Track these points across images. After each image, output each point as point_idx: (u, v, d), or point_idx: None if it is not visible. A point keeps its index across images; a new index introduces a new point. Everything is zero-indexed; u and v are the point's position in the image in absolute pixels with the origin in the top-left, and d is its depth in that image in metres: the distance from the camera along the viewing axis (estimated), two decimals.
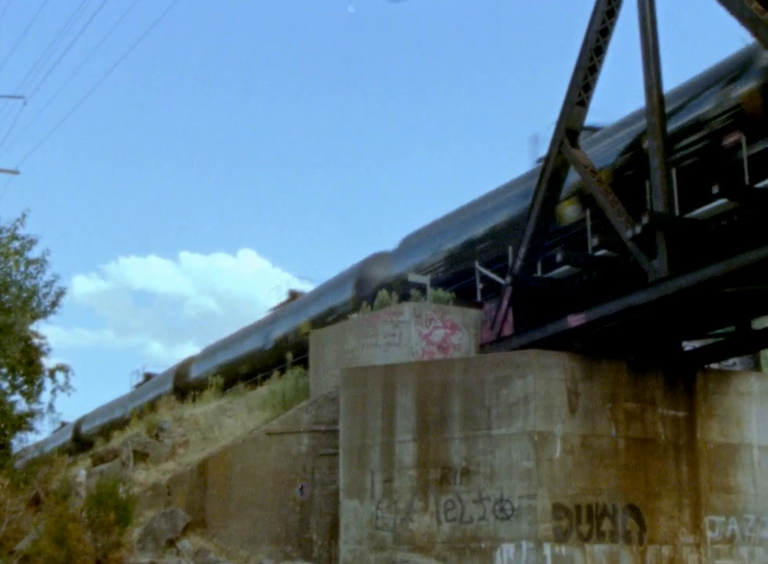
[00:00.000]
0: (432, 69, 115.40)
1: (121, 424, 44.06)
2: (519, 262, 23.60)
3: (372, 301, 28.34)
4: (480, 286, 26.39)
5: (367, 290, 32.39)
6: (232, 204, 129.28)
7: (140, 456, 29.09)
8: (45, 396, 34.31)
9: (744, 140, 19.51)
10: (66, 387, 34.49)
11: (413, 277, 27.93)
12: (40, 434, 37.26)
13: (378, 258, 33.90)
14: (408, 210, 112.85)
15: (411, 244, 31.98)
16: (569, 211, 24.21)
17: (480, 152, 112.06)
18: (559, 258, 22.26)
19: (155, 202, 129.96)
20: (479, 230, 27.88)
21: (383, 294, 27.61)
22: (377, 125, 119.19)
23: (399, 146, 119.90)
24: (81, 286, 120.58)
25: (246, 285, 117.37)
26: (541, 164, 24.29)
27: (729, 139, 20.08)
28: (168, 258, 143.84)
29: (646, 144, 21.32)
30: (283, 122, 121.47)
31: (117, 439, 34.84)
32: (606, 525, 21.51)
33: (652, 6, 20.95)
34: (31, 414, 34.04)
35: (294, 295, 43.16)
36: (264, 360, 38.51)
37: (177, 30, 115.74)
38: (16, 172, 37.89)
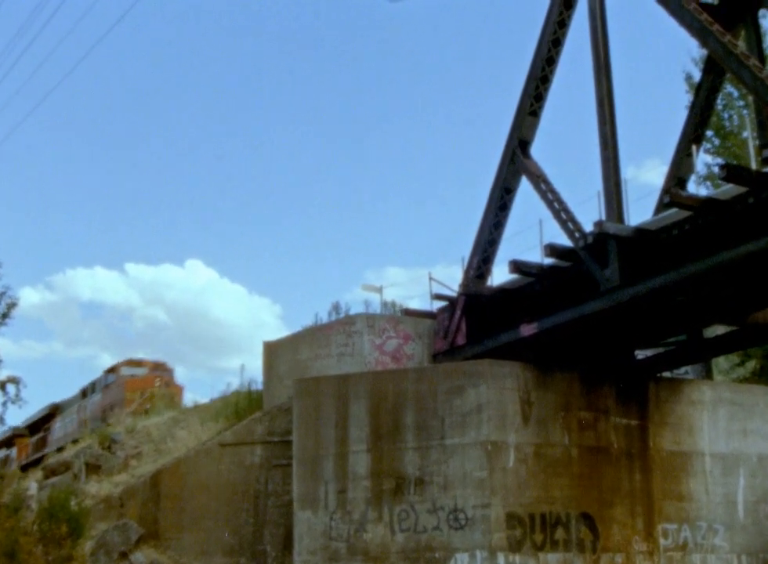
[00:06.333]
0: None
1: None
2: (471, 272, 23.63)
3: None
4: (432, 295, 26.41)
5: None
6: (177, 215, 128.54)
7: (92, 468, 28.85)
8: None
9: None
10: (17, 399, 34.25)
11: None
12: None
13: None
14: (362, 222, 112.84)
15: None
16: None
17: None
18: (509, 268, 22.32)
19: (100, 213, 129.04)
20: None
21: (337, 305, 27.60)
22: (325, 133, 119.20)
23: (350, 158, 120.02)
24: (28, 298, 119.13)
25: (194, 295, 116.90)
26: None
27: None
28: (114, 269, 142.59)
29: None
30: (228, 131, 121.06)
31: (69, 451, 34.56)
32: (559, 533, 21.55)
33: (603, 18, 21.11)
34: None
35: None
36: None
37: (118, 47, 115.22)
38: None
